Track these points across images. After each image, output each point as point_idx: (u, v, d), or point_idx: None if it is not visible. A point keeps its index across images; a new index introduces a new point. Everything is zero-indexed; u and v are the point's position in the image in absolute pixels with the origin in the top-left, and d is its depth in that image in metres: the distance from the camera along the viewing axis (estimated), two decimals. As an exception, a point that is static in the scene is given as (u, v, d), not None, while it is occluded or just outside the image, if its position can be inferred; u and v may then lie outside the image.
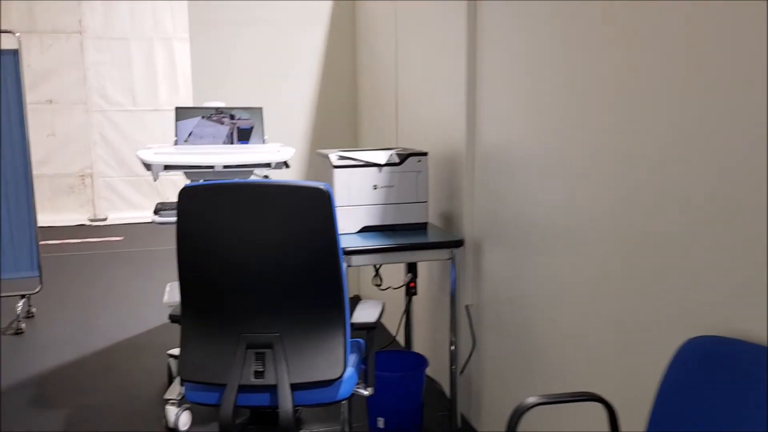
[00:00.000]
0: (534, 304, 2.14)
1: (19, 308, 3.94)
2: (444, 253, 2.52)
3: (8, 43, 6.06)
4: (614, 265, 1.72)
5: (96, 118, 7.20)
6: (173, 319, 2.07)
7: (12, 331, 3.84)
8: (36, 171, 6.70)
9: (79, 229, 6.87)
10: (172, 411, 2.65)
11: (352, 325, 2.00)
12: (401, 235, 2.57)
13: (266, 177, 2.90)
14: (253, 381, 1.88)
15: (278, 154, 2.83)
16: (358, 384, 2.07)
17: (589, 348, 1.86)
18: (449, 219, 2.76)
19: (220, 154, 2.78)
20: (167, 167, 2.63)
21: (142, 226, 7.02)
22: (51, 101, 7.05)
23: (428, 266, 3.03)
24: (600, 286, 1.79)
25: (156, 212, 2.68)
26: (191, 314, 1.95)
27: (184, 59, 7.10)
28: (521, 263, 2.21)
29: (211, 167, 2.71)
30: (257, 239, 1.85)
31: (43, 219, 6.82)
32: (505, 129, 2.28)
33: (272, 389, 1.89)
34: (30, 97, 6.77)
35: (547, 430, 2.09)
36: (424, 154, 2.66)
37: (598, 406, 1.69)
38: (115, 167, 7.28)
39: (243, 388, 1.88)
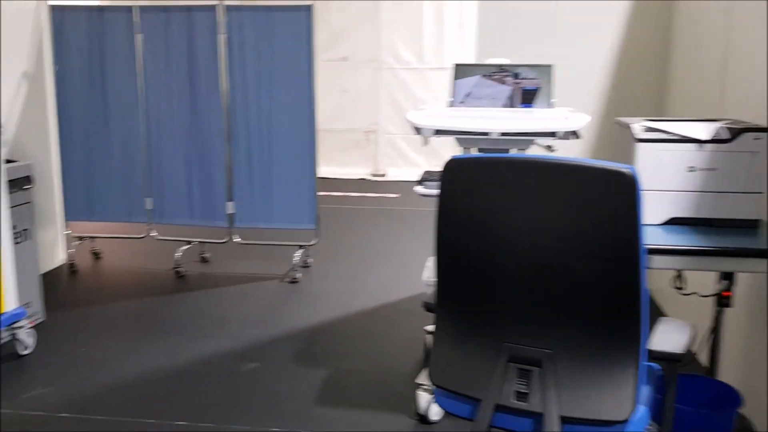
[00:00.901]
0: None
1: (296, 258, 4.10)
2: (781, 266, 1.88)
3: None
4: None
5: (384, 75, 7.35)
6: (428, 307, 1.80)
7: (288, 279, 4.02)
8: (328, 125, 7.07)
9: (360, 183, 7.14)
10: (423, 398, 2.44)
11: (650, 352, 1.53)
12: (720, 234, 1.98)
13: (549, 148, 2.48)
14: (514, 403, 1.53)
15: (566, 122, 2.38)
16: (650, 425, 1.60)
17: None
18: (792, 218, 2.08)
19: (497, 119, 2.43)
20: (438, 132, 2.36)
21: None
22: (346, 59, 7.35)
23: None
24: None
25: (421, 182, 2.45)
26: (446, 310, 1.66)
27: (473, 17, 6.85)
28: None
29: (486, 134, 2.37)
30: (536, 230, 1.47)
31: (331, 171, 7.21)
32: None
33: (536, 417, 1.52)
34: (328, 54, 7.13)
35: None
36: (765, 129, 2.01)
37: None
38: (397, 124, 7.39)
39: (500, 407, 1.55)
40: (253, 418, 2.48)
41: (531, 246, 1.48)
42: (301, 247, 4.18)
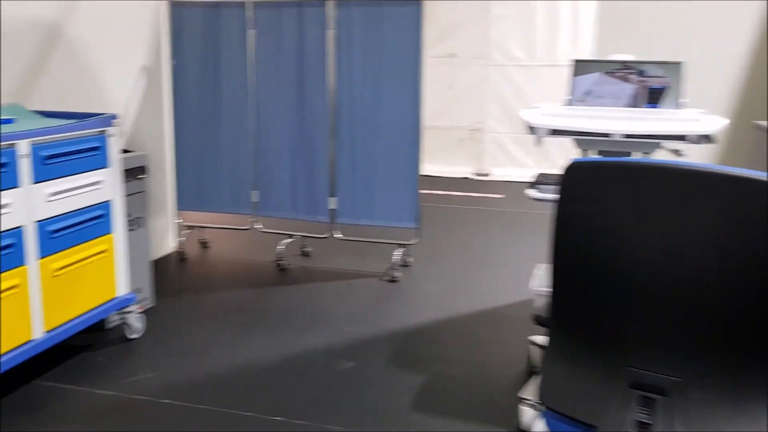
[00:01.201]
0: None
1: (396, 257, 4.04)
2: None
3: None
4: None
5: (493, 72, 7.17)
6: (539, 321, 1.68)
7: (388, 278, 3.96)
8: (432, 122, 6.98)
9: (463, 182, 7.01)
10: (527, 413, 2.30)
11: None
12: None
13: (677, 153, 2.27)
14: (634, 435, 1.38)
15: (697, 125, 2.17)
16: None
17: None
18: None
19: (620, 120, 2.25)
20: (554, 132, 2.21)
21: (524, 185, 6.81)
22: (453, 55, 7.23)
23: None
24: None
25: (534, 185, 2.30)
26: (561, 325, 1.53)
27: (589, 12, 6.54)
28: None
29: (607, 135, 2.20)
30: (670, 243, 1.32)
31: (433, 169, 7.11)
32: None
33: (659, 452, 1.37)
34: (435, 50, 7.03)
35: None
36: None
37: None
38: (503, 123, 7.19)
39: (618, 437, 1.41)
40: (349, 419, 2.43)
41: (663, 261, 1.32)
42: (401, 245, 4.12)
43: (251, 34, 4.07)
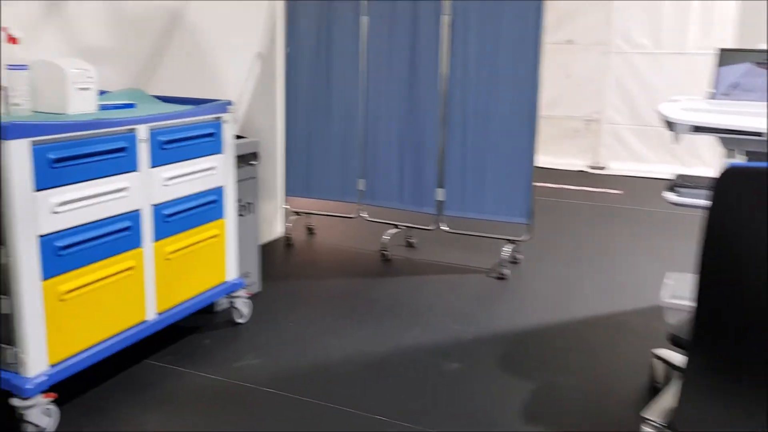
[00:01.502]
0: None
1: (505, 253, 3.87)
2: None
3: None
4: None
5: (613, 60, 6.77)
6: (675, 341, 1.49)
7: (495, 275, 3.81)
8: (546, 112, 6.69)
9: (576, 176, 6.69)
10: (649, 436, 2.11)
11: None
12: None
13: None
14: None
15: None
16: None
17: None
18: None
19: (774, 115, 1.99)
20: (696, 129, 1.98)
21: (644, 181, 6.43)
22: (571, 41, 6.89)
23: None
24: None
25: (673, 188, 2.08)
26: (706, 347, 1.34)
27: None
28: None
29: (759, 135, 1.95)
30: None
31: (545, 161, 6.84)
32: None
33: None
34: (552, 37, 6.72)
35: None
36: None
37: None
38: (624, 114, 6.79)
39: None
40: (454, 425, 2.33)
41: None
42: (510, 241, 3.94)
43: (364, 20, 4.01)
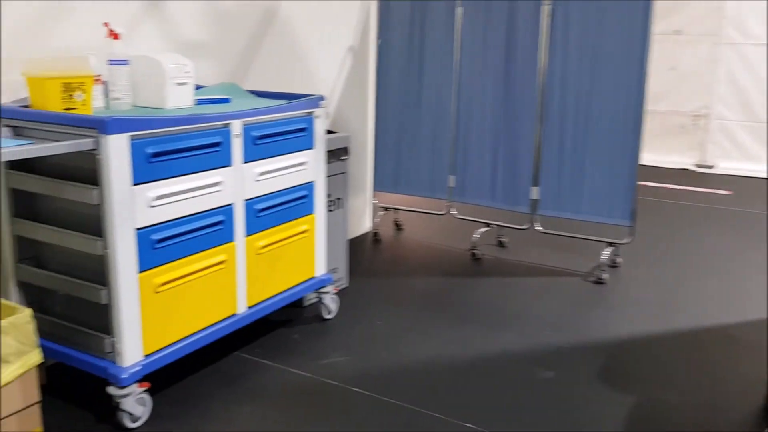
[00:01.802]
0: None
1: (604, 256, 3.67)
2: None
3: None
4: None
5: (724, 52, 6.34)
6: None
7: (593, 279, 3.62)
8: (650, 107, 6.34)
9: (682, 174, 6.31)
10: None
11: None
12: None
13: None
14: None
15: None
16: None
17: None
18: None
19: None
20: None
21: (756, 181, 5.99)
22: (678, 32, 6.50)
23: None
24: None
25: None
26: None
27: None
28: None
29: None
30: None
31: (648, 158, 6.49)
32: None
33: None
34: (658, 27, 6.36)
35: None
36: None
37: None
38: (735, 109, 6.35)
39: None
40: (546, 438, 2.21)
41: None
42: (610, 244, 3.74)
43: (459, 11, 3.90)
